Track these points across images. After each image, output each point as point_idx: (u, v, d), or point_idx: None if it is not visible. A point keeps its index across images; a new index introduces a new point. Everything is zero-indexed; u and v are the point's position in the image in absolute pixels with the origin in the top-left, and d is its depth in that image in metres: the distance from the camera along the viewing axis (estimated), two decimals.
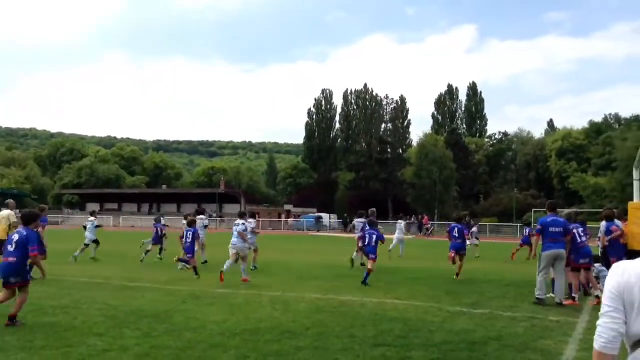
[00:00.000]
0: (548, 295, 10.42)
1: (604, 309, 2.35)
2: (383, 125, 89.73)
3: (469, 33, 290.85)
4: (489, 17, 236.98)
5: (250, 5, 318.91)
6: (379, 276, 13.85)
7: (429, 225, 50.72)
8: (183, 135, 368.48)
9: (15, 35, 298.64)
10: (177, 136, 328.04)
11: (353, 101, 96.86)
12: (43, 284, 11.20)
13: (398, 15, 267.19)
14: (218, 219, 65.15)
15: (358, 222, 18.29)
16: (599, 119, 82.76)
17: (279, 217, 66.99)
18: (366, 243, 12.95)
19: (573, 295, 10.15)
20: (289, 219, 65.00)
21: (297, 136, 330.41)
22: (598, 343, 2.33)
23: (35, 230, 7.78)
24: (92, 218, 19.35)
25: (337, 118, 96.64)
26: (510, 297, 10.53)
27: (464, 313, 8.65)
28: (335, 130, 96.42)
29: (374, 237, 12.82)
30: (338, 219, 62.96)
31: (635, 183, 10.63)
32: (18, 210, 12.98)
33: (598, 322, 2.35)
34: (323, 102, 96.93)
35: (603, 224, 11.23)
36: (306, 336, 6.77)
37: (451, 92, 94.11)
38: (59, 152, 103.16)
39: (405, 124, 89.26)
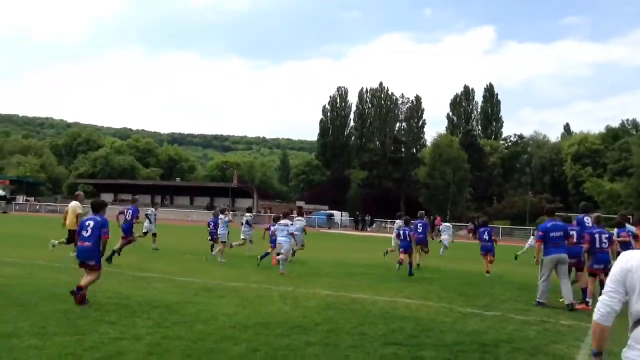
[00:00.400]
0: (560, 300, 10.40)
1: (606, 288, 2.85)
2: (398, 125, 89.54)
3: (487, 34, 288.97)
4: (507, 19, 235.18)
5: (264, 3, 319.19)
6: (391, 275, 13.84)
7: (440, 226, 50.42)
8: (197, 129, 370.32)
9: (35, 27, 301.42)
10: (192, 130, 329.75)
11: (368, 100, 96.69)
12: (57, 272, 11.33)
13: (415, 15, 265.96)
14: (230, 213, 65.44)
15: (398, 223, 19.02)
16: (616, 124, 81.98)
17: (291, 213, 67.08)
18: (401, 239, 14.55)
19: (587, 299, 10.07)
20: (294, 216, 65.06)
21: (311, 133, 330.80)
22: (596, 315, 2.90)
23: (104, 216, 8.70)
24: (153, 209, 19.39)
25: (352, 116, 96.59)
26: (522, 300, 10.45)
27: (476, 315, 8.61)
28: (349, 128, 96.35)
29: (408, 233, 14.47)
30: (350, 217, 62.89)
31: None
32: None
33: (599, 298, 2.89)
34: (338, 100, 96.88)
35: (615, 230, 11.16)
36: (316, 332, 6.77)
37: (467, 93, 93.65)
38: (75, 142, 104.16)
39: (420, 123, 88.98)
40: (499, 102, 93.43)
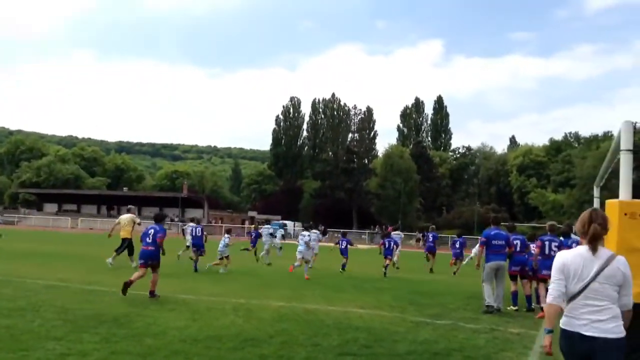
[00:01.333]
0: (509, 308, 10.86)
1: (553, 277, 3.77)
2: (350, 135, 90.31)
3: (436, 48, 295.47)
4: (456, 33, 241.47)
5: (219, 11, 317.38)
6: (344, 285, 13.89)
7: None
8: (146, 137, 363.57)
9: None
10: (140, 138, 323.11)
11: (321, 110, 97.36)
12: None
13: (368, 27, 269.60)
14: (180, 223, 64.31)
15: (395, 234, 22.22)
16: (559, 136, 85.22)
17: (243, 223, 66.47)
18: (385, 247, 17.66)
19: (541, 305, 10.48)
20: (246, 225, 64.40)
21: (263, 142, 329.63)
22: (549, 298, 3.74)
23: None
24: (193, 224, 19.66)
25: (305, 126, 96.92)
26: (471, 309, 10.66)
27: (427, 323, 8.72)
28: (302, 138, 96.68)
29: (392, 243, 17.96)
30: (302, 226, 62.91)
31: (595, 200, 10.93)
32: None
33: (549, 286, 3.81)
34: (291, 110, 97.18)
35: (561, 239, 11.56)
36: (270, 344, 6.70)
37: (418, 104, 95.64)
38: (18, 150, 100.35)
39: (372, 134, 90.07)
40: (448, 114, 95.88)
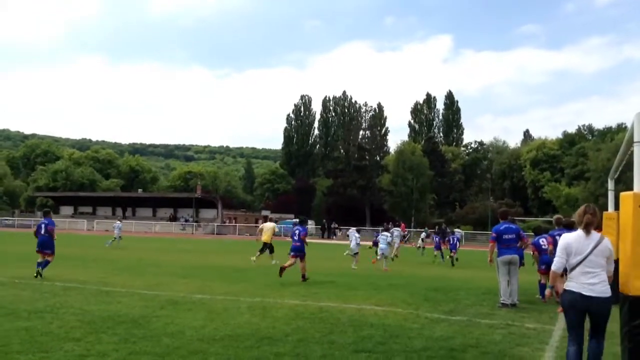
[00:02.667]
0: (516, 301, 10.80)
1: (558, 253, 5.20)
2: (361, 132, 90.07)
3: (445, 43, 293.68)
4: (465, 27, 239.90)
5: (225, 12, 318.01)
6: (358, 283, 13.91)
7: (406, 232, 51.01)
8: (159, 138, 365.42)
9: None
10: (153, 139, 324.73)
11: (331, 108, 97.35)
12: (17, 288, 11.01)
13: (376, 24, 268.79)
14: (194, 224, 64.64)
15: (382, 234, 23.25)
16: (572, 129, 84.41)
17: (256, 222, 66.67)
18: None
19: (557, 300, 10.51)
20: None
21: (275, 141, 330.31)
22: (554, 267, 5.25)
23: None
24: (354, 229, 22.41)
25: (316, 124, 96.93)
26: (486, 304, 10.63)
27: (442, 320, 8.72)
28: (313, 137, 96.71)
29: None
30: (316, 225, 62.95)
31: (610, 193, 10.86)
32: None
33: (554, 260, 5.22)
34: (302, 108, 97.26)
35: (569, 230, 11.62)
36: (286, 342, 6.74)
37: (429, 100, 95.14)
38: (33, 154, 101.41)
39: (383, 131, 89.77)
40: (459, 109, 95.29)
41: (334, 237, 54.63)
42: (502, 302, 10.43)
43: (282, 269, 13.83)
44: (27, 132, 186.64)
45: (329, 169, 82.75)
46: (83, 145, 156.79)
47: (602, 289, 4.97)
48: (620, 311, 5.39)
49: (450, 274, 17.76)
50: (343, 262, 21.98)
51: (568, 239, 5.20)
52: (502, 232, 10.77)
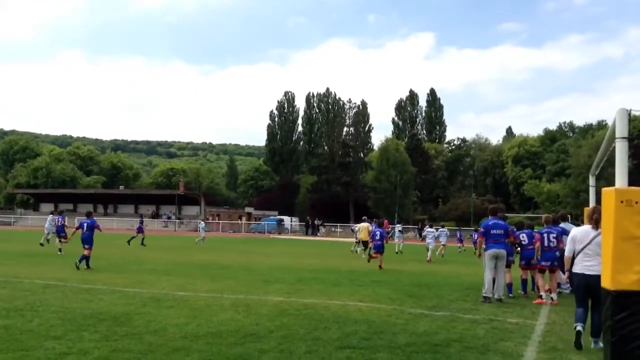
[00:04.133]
0: (501, 296, 10.97)
1: (567, 243, 6.92)
2: (345, 129, 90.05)
3: (427, 40, 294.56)
4: (447, 25, 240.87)
5: (208, 8, 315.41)
6: (342, 280, 13.92)
7: (389, 229, 51.20)
8: (141, 135, 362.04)
9: None
10: (135, 136, 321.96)
11: (315, 104, 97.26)
12: None
13: (358, 21, 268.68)
14: (177, 221, 64.27)
15: (428, 230, 24.56)
16: (553, 126, 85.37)
17: (240, 219, 66.49)
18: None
19: (540, 293, 10.94)
20: (243, 221, 64.33)
21: (258, 138, 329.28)
22: (566, 253, 6.91)
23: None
24: (431, 228, 24.64)
25: (299, 121, 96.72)
26: (469, 299, 10.70)
27: (426, 315, 8.75)
28: (297, 133, 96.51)
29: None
30: (300, 221, 62.93)
31: (591, 189, 10.98)
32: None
33: (566, 248, 6.92)
34: (285, 105, 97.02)
35: (558, 228, 11.77)
36: (270, 339, 6.71)
37: (412, 97, 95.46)
38: (11, 150, 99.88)
39: (367, 128, 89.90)
40: (441, 106, 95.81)
41: (318, 234, 54.65)
42: (484, 295, 10.56)
43: (374, 262, 18.05)
44: (7, 128, 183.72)
45: (313, 166, 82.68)
46: (64, 141, 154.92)
47: (598, 269, 6.23)
48: (602, 305, 5.45)
49: (433, 270, 17.85)
50: (326, 259, 22.01)
51: (575, 232, 6.92)
52: (491, 227, 10.88)
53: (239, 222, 64.50)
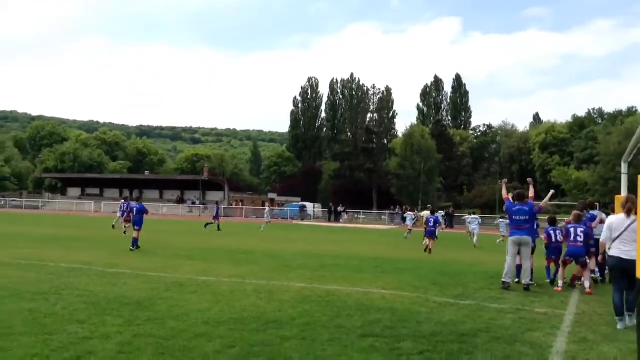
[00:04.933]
0: (515, 280, 11.02)
1: (604, 229, 7.53)
2: (369, 115, 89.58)
3: (453, 25, 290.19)
4: (471, 10, 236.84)
5: None
6: (364, 267, 13.80)
7: (413, 216, 50.85)
8: (166, 121, 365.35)
9: None
10: (160, 122, 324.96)
11: (339, 90, 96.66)
12: (22, 269, 10.97)
13: (382, 5, 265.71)
14: (201, 206, 64.76)
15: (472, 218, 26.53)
16: (582, 113, 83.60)
17: (263, 205, 66.69)
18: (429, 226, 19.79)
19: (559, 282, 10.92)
20: (266, 207, 64.39)
21: (282, 124, 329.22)
22: (602, 239, 7.68)
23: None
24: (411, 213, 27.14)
25: (323, 107, 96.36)
26: (495, 288, 10.49)
27: (451, 304, 8.58)
28: (320, 119, 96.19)
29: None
30: (322, 208, 62.86)
31: (623, 177, 10.62)
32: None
33: (602, 234, 7.60)
34: (309, 91, 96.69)
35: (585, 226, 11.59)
36: (292, 326, 6.63)
37: (437, 83, 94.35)
38: (39, 135, 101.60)
39: (391, 114, 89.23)
40: (467, 92, 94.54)
41: (341, 220, 54.55)
42: (503, 281, 10.46)
43: (428, 250, 18.95)
44: (35, 113, 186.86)
45: (336, 152, 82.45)
46: (90, 127, 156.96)
47: (633, 254, 6.68)
48: (637, 296, 5.23)
49: (456, 258, 17.62)
50: (349, 245, 21.91)
51: (612, 220, 7.49)
52: (514, 212, 10.68)
53: (264, 208, 64.60)
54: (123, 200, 26.01)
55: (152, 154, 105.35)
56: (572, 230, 10.91)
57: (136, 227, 16.72)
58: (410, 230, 29.46)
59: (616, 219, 7.36)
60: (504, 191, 11.72)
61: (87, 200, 69.36)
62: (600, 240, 7.69)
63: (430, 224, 19.56)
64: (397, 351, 5.65)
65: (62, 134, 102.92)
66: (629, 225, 7.05)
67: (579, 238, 10.75)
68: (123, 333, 6.01)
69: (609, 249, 7.37)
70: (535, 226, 11.47)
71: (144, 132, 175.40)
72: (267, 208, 38.24)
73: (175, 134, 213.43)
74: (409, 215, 32.34)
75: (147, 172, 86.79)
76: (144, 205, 18.19)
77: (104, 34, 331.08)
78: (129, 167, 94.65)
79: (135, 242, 16.27)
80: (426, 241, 19.66)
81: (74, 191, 77.37)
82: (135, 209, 17.42)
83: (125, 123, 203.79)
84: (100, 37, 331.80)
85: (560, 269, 11.02)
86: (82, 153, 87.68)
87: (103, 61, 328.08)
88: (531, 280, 10.60)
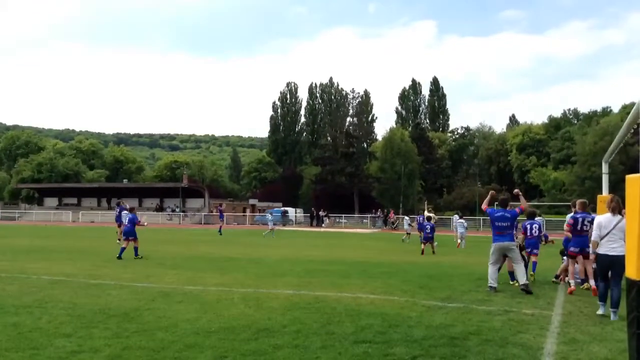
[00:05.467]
0: (510, 283, 11.16)
1: (594, 228, 7.93)
2: (348, 119, 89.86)
3: (429, 29, 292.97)
4: (447, 13, 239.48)
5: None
6: (351, 272, 13.78)
7: (394, 219, 51.23)
8: (144, 128, 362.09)
9: None
10: (138, 129, 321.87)
11: (318, 95, 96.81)
12: (3, 282, 10.72)
13: (358, 10, 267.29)
14: (181, 213, 64.22)
15: (458, 222, 26.49)
16: (557, 114, 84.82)
17: (244, 211, 66.36)
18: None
19: (569, 280, 10.68)
20: (267, 215, 64.12)
21: (261, 130, 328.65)
22: (592, 238, 7.96)
23: None
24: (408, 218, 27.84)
25: (302, 112, 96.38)
26: (482, 290, 10.54)
27: (440, 307, 8.60)
28: (300, 124, 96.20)
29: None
30: (304, 213, 62.77)
31: (604, 176, 10.77)
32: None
33: (593, 234, 7.94)
34: (288, 96, 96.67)
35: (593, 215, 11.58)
36: (283, 334, 6.58)
37: (415, 86, 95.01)
38: (14, 145, 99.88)
39: (370, 118, 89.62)
40: (444, 95, 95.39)
41: (323, 225, 54.52)
42: (489, 285, 10.53)
43: (432, 250, 20.41)
44: (9, 123, 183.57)
45: (317, 157, 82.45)
46: (67, 136, 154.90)
47: (620, 250, 7.28)
48: (627, 296, 5.29)
49: (441, 261, 17.70)
50: (333, 250, 21.88)
51: (600, 219, 7.86)
52: (496, 218, 10.66)
53: (245, 214, 64.34)
54: (117, 207, 25.76)
55: (130, 161, 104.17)
56: (579, 219, 10.28)
57: (130, 237, 16.72)
58: (409, 233, 29.60)
59: (604, 218, 7.78)
60: (485, 201, 11.25)
61: (65, 210, 68.33)
62: (592, 239, 7.99)
63: (426, 230, 20.86)
64: (391, 357, 5.63)
65: (37, 143, 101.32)
66: (616, 224, 7.57)
67: (585, 228, 10.16)
68: (112, 346, 5.90)
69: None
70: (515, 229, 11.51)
71: (121, 139, 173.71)
72: (268, 215, 37.82)
73: (153, 141, 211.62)
74: (406, 220, 32.64)
75: (125, 181, 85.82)
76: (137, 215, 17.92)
77: (79, 41, 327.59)
78: (107, 175, 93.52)
79: (135, 250, 16.59)
80: (423, 246, 20.70)
81: (51, 201, 76.20)
82: (127, 218, 17.68)
83: (102, 131, 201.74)
84: (76, 44, 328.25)
85: (570, 267, 10.64)
86: (59, 162, 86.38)
87: (78, 68, 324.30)
88: (527, 280, 10.53)
